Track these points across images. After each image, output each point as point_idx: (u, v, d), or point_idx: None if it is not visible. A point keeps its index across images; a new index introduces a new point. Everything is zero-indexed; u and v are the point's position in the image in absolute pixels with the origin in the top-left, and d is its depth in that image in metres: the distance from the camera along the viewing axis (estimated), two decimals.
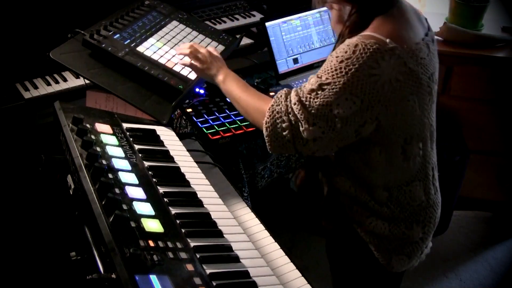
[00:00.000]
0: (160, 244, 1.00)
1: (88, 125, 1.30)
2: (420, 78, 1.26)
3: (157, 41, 1.77)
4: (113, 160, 1.21)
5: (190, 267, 0.97)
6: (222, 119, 1.82)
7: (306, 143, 1.26)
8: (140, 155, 1.30)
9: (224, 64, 1.55)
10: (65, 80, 2.00)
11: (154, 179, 1.22)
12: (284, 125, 1.27)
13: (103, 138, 1.28)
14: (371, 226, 1.39)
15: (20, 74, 1.98)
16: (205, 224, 1.14)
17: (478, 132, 2.63)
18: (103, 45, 1.62)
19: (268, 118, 1.30)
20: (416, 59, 1.25)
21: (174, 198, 1.17)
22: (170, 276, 0.92)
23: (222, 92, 1.98)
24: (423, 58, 1.28)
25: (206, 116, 1.83)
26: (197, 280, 0.94)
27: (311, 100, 1.23)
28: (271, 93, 2.01)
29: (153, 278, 0.90)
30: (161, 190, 1.19)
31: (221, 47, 1.89)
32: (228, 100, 1.94)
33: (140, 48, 1.69)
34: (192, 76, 1.68)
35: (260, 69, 2.22)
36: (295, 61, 2.17)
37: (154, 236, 1.01)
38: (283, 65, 2.14)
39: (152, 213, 1.09)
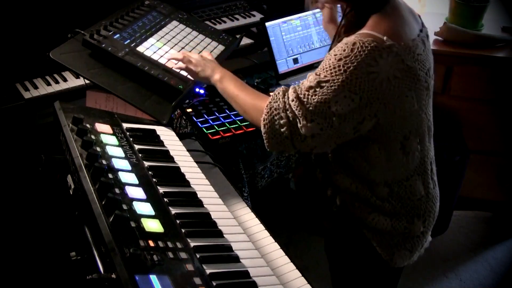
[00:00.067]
0: (160, 244, 1.00)
1: (88, 125, 1.30)
2: (417, 74, 1.27)
3: (157, 41, 1.77)
4: (113, 160, 1.21)
5: (190, 267, 0.97)
6: (222, 119, 1.82)
7: (304, 139, 1.26)
8: (140, 155, 1.30)
9: (218, 65, 1.56)
10: (65, 80, 2.00)
11: (154, 179, 1.22)
12: (282, 121, 1.27)
13: (103, 138, 1.28)
14: (373, 222, 1.40)
15: (20, 74, 1.98)
16: (205, 224, 1.14)
17: (478, 132, 2.63)
18: (103, 45, 1.62)
19: (266, 115, 1.30)
20: (413, 56, 1.26)
21: (174, 198, 1.17)
22: (170, 276, 0.92)
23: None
24: (419, 54, 1.29)
25: (206, 116, 1.83)
26: (197, 280, 0.94)
27: (309, 97, 1.24)
28: (271, 93, 2.01)
29: (153, 278, 0.90)
30: (161, 190, 1.19)
31: (221, 47, 1.89)
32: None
33: (140, 48, 1.69)
34: None
35: (260, 69, 2.23)
36: (295, 61, 2.18)
37: (154, 236, 1.01)
38: (283, 65, 2.14)
39: (152, 213, 1.09)
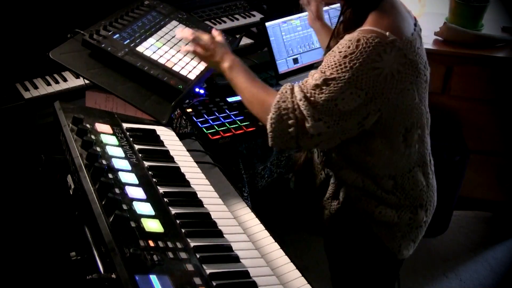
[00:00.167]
0: (160, 244, 1.00)
1: (88, 125, 1.30)
2: (418, 68, 1.30)
3: (157, 41, 1.77)
4: (113, 160, 1.21)
5: (190, 267, 0.97)
6: (222, 119, 1.83)
7: (310, 138, 1.27)
8: (140, 155, 1.30)
9: (229, 50, 1.50)
10: (65, 80, 2.01)
11: (154, 179, 1.22)
12: (290, 122, 1.27)
13: (103, 138, 1.28)
14: (380, 216, 1.41)
15: (20, 74, 1.98)
16: (205, 224, 1.14)
17: (478, 132, 2.63)
18: (103, 45, 1.62)
19: (273, 114, 1.29)
20: (414, 50, 1.28)
21: (174, 198, 1.17)
22: (170, 276, 0.92)
23: (222, 92, 2.00)
24: (418, 48, 1.31)
25: (206, 116, 1.83)
26: (197, 280, 0.94)
27: (316, 95, 1.24)
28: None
29: (153, 278, 0.90)
30: (161, 190, 1.19)
31: None
32: (228, 100, 1.95)
33: (139, 48, 1.69)
34: (192, 76, 1.68)
35: (260, 69, 2.22)
36: (295, 61, 2.18)
37: (154, 236, 1.01)
38: (283, 65, 2.14)
39: (152, 213, 1.09)
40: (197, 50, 1.53)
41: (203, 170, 1.37)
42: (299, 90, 1.27)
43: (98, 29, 1.68)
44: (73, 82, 1.99)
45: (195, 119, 1.82)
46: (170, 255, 0.98)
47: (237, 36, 2.04)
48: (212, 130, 1.76)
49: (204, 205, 1.20)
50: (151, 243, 0.98)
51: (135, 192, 1.13)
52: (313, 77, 1.27)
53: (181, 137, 1.56)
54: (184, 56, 1.74)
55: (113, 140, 1.30)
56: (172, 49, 1.76)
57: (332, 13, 2.29)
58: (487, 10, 2.59)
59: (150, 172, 1.23)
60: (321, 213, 1.55)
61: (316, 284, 1.10)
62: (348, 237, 1.52)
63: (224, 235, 1.12)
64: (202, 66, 1.74)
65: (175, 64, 1.69)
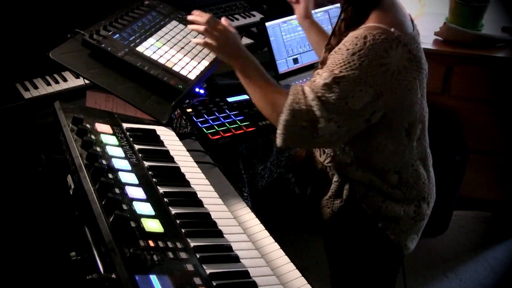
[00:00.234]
0: (160, 244, 1.00)
1: (88, 125, 1.30)
2: (421, 63, 1.32)
3: (157, 41, 1.77)
4: (113, 160, 1.21)
5: (190, 267, 0.97)
6: (222, 119, 1.83)
7: (322, 138, 1.28)
8: (140, 155, 1.30)
9: (240, 45, 1.45)
10: (65, 80, 2.00)
11: (154, 179, 1.22)
12: (303, 123, 1.27)
13: (103, 138, 1.28)
14: (387, 210, 1.42)
15: (20, 74, 1.98)
16: (205, 224, 1.14)
17: (478, 132, 2.63)
18: (103, 45, 1.62)
19: (287, 116, 1.28)
20: (417, 45, 1.31)
21: (174, 198, 1.17)
22: (170, 276, 0.92)
23: (222, 92, 1.99)
24: (419, 43, 1.34)
25: (206, 116, 1.83)
26: (197, 280, 0.94)
27: (327, 95, 1.24)
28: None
29: (153, 278, 0.90)
30: (161, 190, 1.19)
31: None
32: (228, 100, 1.95)
33: (139, 48, 1.69)
34: (192, 76, 1.68)
35: None
36: (295, 61, 2.18)
37: (154, 236, 1.01)
38: (283, 65, 2.14)
39: (152, 213, 1.09)
40: (208, 41, 1.47)
41: (203, 170, 1.37)
42: (310, 91, 1.26)
43: (98, 29, 1.68)
44: (73, 82, 1.99)
45: (195, 119, 1.82)
46: (170, 255, 0.98)
47: None
48: (212, 130, 1.76)
49: (204, 205, 1.20)
50: (151, 243, 0.98)
51: (135, 192, 1.13)
52: (322, 76, 1.26)
53: (181, 137, 1.56)
54: (184, 56, 1.74)
55: (113, 140, 1.30)
56: (172, 49, 1.76)
57: (332, 13, 2.29)
58: (487, 10, 2.59)
59: (150, 172, 1.23)
60: (322, 212, 1.55)
61: (316, 284, 1.10)
62: (352, 235, 1.52)
63: (224, 235, 1.12)
64: (202, 66, 1.74)
65: (175, 64, 1.69)
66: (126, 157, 1.25)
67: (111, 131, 1.34)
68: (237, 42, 1.45)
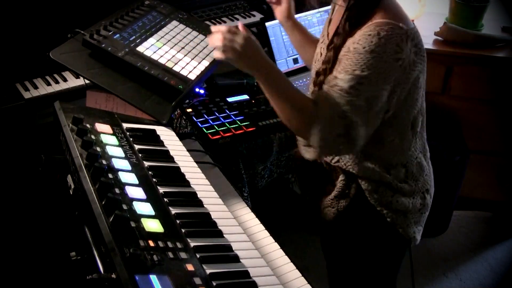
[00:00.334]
0: (160, 244, 1.00)
1: (88, 125, 1.30)
2: (425, 56, 1.34)
3: (157, 41, 1.77)
4: (113, 160, 1.21)
5: (190, 267, 0.97)
6: (222, 119, 1.83)
7: (356, 142, 1.28)
8: (140, 155, 1.30)
9: (262, 54, 1.34)
10: (65, 80, 2.00)
11: (154, 179, 1.22)
12: (339, 130, 1.26)
13: (103, 138, 1.28)
14: (397, 205, 1.44)
15: (20, 74, 1.98)
16: (205, 224, 1.14)
17: (478, 132, 2.63)
18: (103, 45, 1.62)
19: (322, 125, 1.26)
20: (420, 39, 1.32)
21: (174, 198, 1.17)
22: (170, 276, 0.92)
23: (222, 92, 1.99)
24: (421, 37, 1.35)
25: (206, 116, 1.83)
26: (197, 280, 0.94)
27: (356, 98, 1.24)
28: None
29: (153, 278, 0.90)
30: (161, 190, 1.19)
31: None
32: (228, 100, 1.95)
33: (140, 48, 1.69)
34: (192, 76, 1.68)
35: None
36: (295, 61, 2.18)
37: (154, 236, 1.01)
38: (283, 65, 2.14)
39: (152, 213, 1.09)
40: (229, 56, 1.33)
41: (203, 170, 1.37)
42: (339, 96, 1.25)
43: (99, 29, 1.69)
44: (73, 82, 1.99)
45: (195, 119, 1.82)
46: (170, 255, 0.98)
47: None
48: (212, 130, 1.76)
49: (204, 205, 1.20)
50: (151, 243, 0.98)
51: (135, 192, 1.13)
52: (343, 79, 1.25)
53: (181, 137, 1.56)
54: (184, 56, 1.75)
55: (113, 140, 1.30)
56: (173, 49, 1.76)
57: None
58: (487, 10, 2.59)
59: (150, 172, 1.24)
60: (325, 212, 1.55)
61: (316, 284, 1.10)
62: (359, 232, 1.54)
63: (224, 235, 1.12)
64: (203, 66, 1.74)
65: (175, 64, 1.69)
66: (126, 157, 1.25)
67: (111, 131, 1.34)
68: (259, 51, 1.34)
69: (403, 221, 1.46)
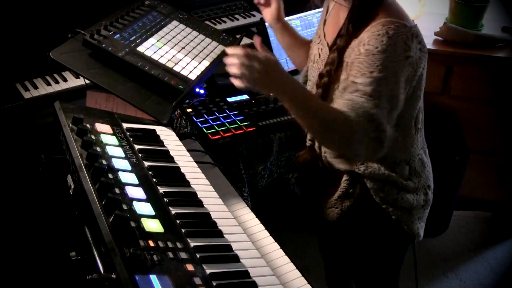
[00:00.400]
0: (160, 244, 1.00)
1: (88, 125, 1.30)
2: (426, 52, 1.35)
3: (157, 41, 1.77)
4: (113, 160, 1.21)
5: (190, 267, 0.97)
6: (222, 119, 1.83)
7: (385, 144, 1.29)
8: (140, 155, 1.30)
9: (284, 75, 1.27)
10: (65, 80, 2.01)
11: (154, 179, 1.22)
12: (373, 134, 1.26)
13: (103, 138, 1.28)
14: (402, 202, 1.45)
15: (20, 74, 1.98)
16: (205, 224, 1.14)
17: (478, 132, 2.63)
18: (103, 45, 1.62)
19: (359, 134, 1.25)
20: (422, 35, 1.33)
21: (174, 198, 1.17)
22: (170, 276, 0.92)
23: (222, 92, 1.99)
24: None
25: (206, 116, 1.83)
26: (197, 280, 0.94)
27: (380, 100, 1.25)
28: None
29: (153, 278, 0.90)
30: (161, 190, 1.19)
31: (221, 47, 1.89)
32: (228, 100, 1.95)
33: (140, 48, 1.69)
34: (193, 76, 1.68)
35: None
36: None
37: (154, 236, 1.01)
38: (283, 65, 2.14)
39: (152, 213, 1.09)
40: (249, 85, 1.25)
41: (203, 170, 1.37)
42: (366, 100, 1.24)
43: (99, 29, 1.69)
44: (73, 82, 1.99)
45: (195, 119, 1.82)
46: (170, 255, 0.98)
47: (237, 36, 2.04)
48: (212, 130, 1.76)
49: (204, 205, 1.20)
50: (151, 243, 0.99)
51: (135, 192, 1.13)
52: (363, 83, 1.25)
53: (181, 137, 1.56)
54: (185, 56, 1.75)
55: (113, 140, 1.30)
56: (173, 49, 1.76)
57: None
58: (487, 10, 2.59)
59: (150, 172, 1.24)
60: (327, 213, 1.55)
61: (316, 284, 1.10)
62: (364, 231, 1.55)
63: (224, 235, 1.12)
64: (203, 66, 1.74)
65: (175, 64, 1.69)
66: (126, 157, 1.25)
67: (111, 131, 1.34)
68: (280, 73, 1.26)
69: (407, 218, 1.48)
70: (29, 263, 1.66)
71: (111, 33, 1.69)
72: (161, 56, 1.70)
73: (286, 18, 2.12)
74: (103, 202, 1.04)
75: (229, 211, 1.23)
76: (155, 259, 0.94)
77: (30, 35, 2.00)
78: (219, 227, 1.14)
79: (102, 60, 1.62)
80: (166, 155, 1.36)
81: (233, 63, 1.25)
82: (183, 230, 1.08)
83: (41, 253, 1.64)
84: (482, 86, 2.55)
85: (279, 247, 1.19)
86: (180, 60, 1.72)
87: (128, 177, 1.17)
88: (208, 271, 0.99)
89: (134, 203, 1.09)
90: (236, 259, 1.06)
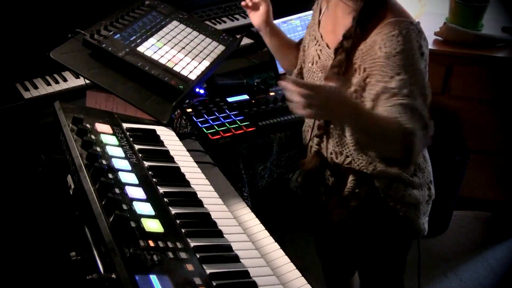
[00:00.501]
0: (160, 244, 1.00)
1: (88, 125, 1.30)
2: (428, 47, 1.37)
3: (158, 41, 1.77)
4: (113, 160, 1.21)
5: (190, 267, 0.97)
6: (222, 119, 1.83)
7: (428, 138, 1.32)
8: (140, 155, 1.30)
9: (347, 101, 1.26)
10: (65, 80, 2.00)
11: (154, 179, 1.22)
12: (424, 132, 1.29)
13: (103, 138, 1.28)
14: (410, 198, 1.47)
15: (20, 74, 1.98)
16: (205, 224, 1.14)
17: (478, 132, 2.63)
18: (104, 45, 1.62)
19: (417, 137, 1.28)
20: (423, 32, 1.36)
21: (174, 198, 1.17)
22: (170, 276, 0.92)
23: (222, 92, 1.99)
24: None
25: (206, 116, 1.83)
26: (197, 280, 0.94)
27: (414, 98, 1.27)
28: (271, 93, 2.02)
29: (153, 278, 0.90)
30: (161, 190, 1.19)
31: (221, 47, 1.89)
32: (228, 100, 1.95)
33: (140, 48, 1.69)
34: (193, 76, 1.68)
35: (260, 69, 2.22)
36: None
37: (154, 236, 1.02)
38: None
39: (152, 213, 1.09)
40: (309, 112, 1.22)
41: (203, 170, 1.37)
42: (409, 102, 1.26)
43: (99, 29, 1.69)
44: (73, 82, 1.99)
45: (195, 119, 1.82)
46: (170, 255, 0.98)
47: (237, 36, 2.04)
48: (212, 130, 1.76)
49: (204, 205, 1.20)
50: (151, 243, 0.99)
51: (135, 192, 1.13)
52: (397, 86, 1.27)
53: (181, 137, 1.56)
54: (185, 56, 1.75)
55: (113, 140, 1.30)
56: (173, 49, 1.76)
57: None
58: (487, 10, 2.59)
59: (150, 172, 1.24)
60: (333, 213, 1.55)
61: (316, 284, 1.10)
62: (370, 230, 1.55)
63: (224, 235, 1.12)
64: (203, 66, 1.74)
65: (176, 64, 1.69)
66: (126, 157, 1.25)
67: (111, 131, 1.34)
68: (343, 102, 1.25)
69: (414, 213, 1.49)
70: (29, 263, 1.66)
71: (111, 33, 1.69)
72: (161, 56, 1.70)
73: (286, 18, 2.13)
74: (103, 202, 1.04)
75: (229, 211, 1.24)
76: (155, 259, 0.94)
77: (30, 35, 2.00)
78: (219, 227, 1.14)
79: (102, 60, 1.62)
80: (166, 155, 1.36)
81: (293, 91, 1.20)
82: (183, 230, 1.08)
83: (41, 253, 1.64)
84: (482, 86, 2.55)
85: (279, 247, 1.19)
86: (180, 60, 1.72)
87: (128, 177, 1.17)
88: (208, 271, 0.99)
89: (134, 203, 1.09)
90: (236, 259, 1.06)
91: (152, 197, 1.14)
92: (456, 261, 2.66)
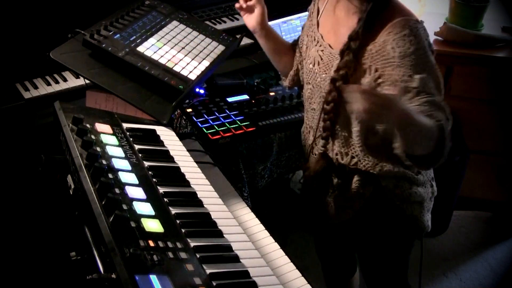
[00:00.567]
0: (160, 244, 1.00)
1: (88, 125, 1.30)
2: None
3: (158, 41, 1.77)
4: (113, 160, 1.21)
5: (190, 267, 0.97)
6: (222, 119, 1.83)
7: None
8: (140, 155, 1.30)
9: (398, 107, 1.22)
10: (65, 80, 2.00)
11: (154, 179, 1.22)
12: (448, 129, 1.35)
13: (103, 138, 1.28)
14: (415, 196, 1.48)
15: (20, 74, 1.98)
16: (205, 224, 1.14)
17: (478, 132, 2.63)
18: (104, 45, 1.62)
19: (447, 134, 1.34)
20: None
21: (174, 198, 1.17)
22: (170, 276, 0.92)
23: (222, 92, 2.00)
24: None
25: (206, 116, 1.83)
26: (197, 280, 0.94)
27: (434, 95, 1.30)
28: (271, 93, 2.02)
29: (153, 278, 0.90)
30: (161, 190, 1.19)
31: (221, 47, 1.89)
32: (228, 100, 1.95)
33: (140, 48, 1.69)
34: (193, 76, 1.68)
35: (260, 69, 2.22)
36: None
37: (154, 236, 1.02)
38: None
39: (152, 213, 1.09)
40: (364, 123, 1.30)
41: (203, 170, 1.37)
42: (433, 99, 1.29)
43: (99, 29, 1.69)
44: (73, 82, 1.99)
45: (195, 119, 1.82)
46: (170, 255, 0.98)
47: (237, 36, 2.04)
48: (212, 130, 1.76)
49: (204, 205, 1.20)
50: (151, 243, 0.99)
51: (135, 192, 1.13)
52: (419, 85, 1.28)
53: (181, 137, 1.56)
54: (185, 56, 1.75)
55: (113, 140, 1.30)
56: (173, 49, 1.76)
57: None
58: (487, 10, 2.59)
59: (150, 172, 1.24)
60: (338, 214, 1.55)
61: (316, 284, 1.10)
62: (375, 229, 1.56)
63: (224, 235, 1.12)
64: (203, 66, 1.74)
65: (175, 64, 1.69)
66: (126, 157, 1.25)
67: (111, 131, 1.34)
68: (396, 108, 1.21)
69: (419, 211, 1.50)
70: (29, 263, 1.66)
71: (111, 33, 1.69)
72: (161, 56, 1.70)
73: (286, 18, 2.13)
74: (103, 202, 1.04)
75: (229, 211, 1.24)
76: (155, 259, 0.94)
77: (30, 35, 2.00)
78: (219, 227, 1.14)
79: (102, 60, 1.62)
80: (166, 155, 1.36)
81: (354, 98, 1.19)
82: (183, 230, 1.08)
83: (41, 253, 1.64)
84: (482, 86, 2.55)
85: (279, 247, 1.19)
86: (180, 60, 1.72)
87: (128, 177, 1.17)
88: (208, 271, 0.99)
89: (134, 203, 1.09)
90: (236, 259, 1.06)
91: (152, 197, 1.14)
92: (456, 261, 2.66)
